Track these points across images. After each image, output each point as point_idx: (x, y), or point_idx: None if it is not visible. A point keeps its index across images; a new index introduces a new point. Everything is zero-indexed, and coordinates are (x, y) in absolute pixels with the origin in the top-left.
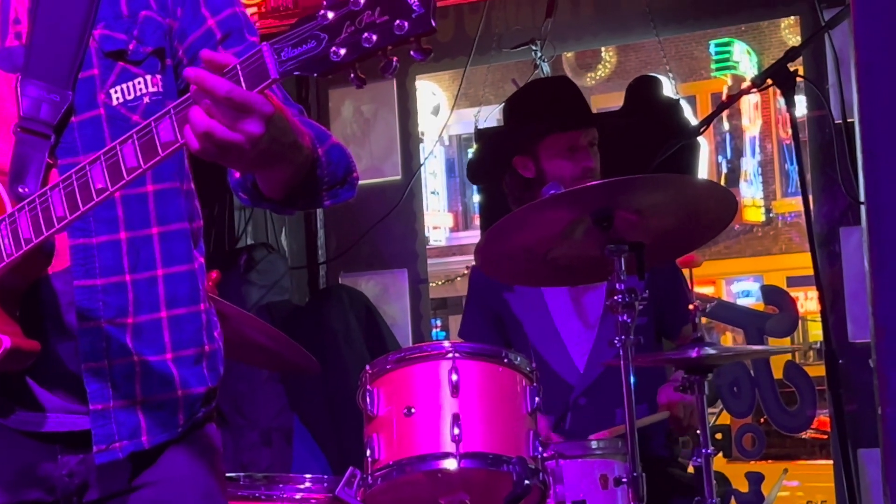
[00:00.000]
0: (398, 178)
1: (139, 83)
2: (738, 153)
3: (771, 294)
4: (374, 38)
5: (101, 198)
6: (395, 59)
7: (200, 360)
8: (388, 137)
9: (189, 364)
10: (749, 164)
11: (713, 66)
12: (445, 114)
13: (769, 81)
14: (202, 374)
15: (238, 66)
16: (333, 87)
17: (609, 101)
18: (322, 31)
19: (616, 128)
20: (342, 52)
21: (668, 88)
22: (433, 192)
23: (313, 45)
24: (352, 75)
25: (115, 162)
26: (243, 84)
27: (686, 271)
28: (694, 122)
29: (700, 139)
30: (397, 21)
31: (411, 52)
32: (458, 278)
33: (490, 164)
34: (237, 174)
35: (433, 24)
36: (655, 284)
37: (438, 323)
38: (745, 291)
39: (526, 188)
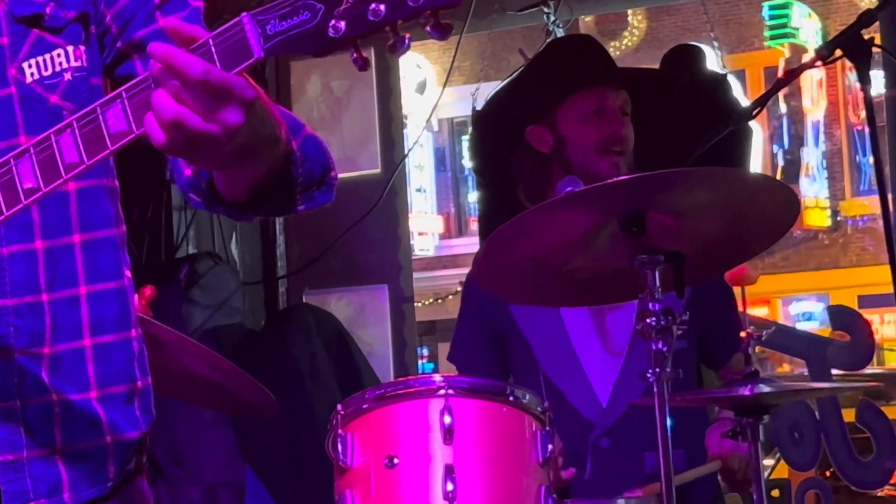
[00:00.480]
0: (377, 171)
1: (58, 56)
2: (798, 142)
3: (839, 316)
4: (383, 9)
5: (31, 200)
6: (406, 36)
7: (132, 398)
8: (365, 121)
9: (119, 403)
10: (812, 156)
11: (767, 33)
12: (434, 92)
13: (838, 52)
14: (134, 415)
15: (211, 42)
16: (296, 57)
17: None
18: (317, 1)
19: (649, 102)
20: (342, 25)
21: (713, 61)
22: (419, 190)
23: (307, 17)
24: (353, 54)
25: (49, 156)
26: (217, 63)
27: (736, 289)
28: (744, 102)
29: (752, 124)
30: None
31: (427, 28)
32: (450, 297)
33: (494, 140)
34: (188, 171)
35: None
36: (698, 304)
37: (425, 352)
38: (806, 313)
39: (540, 165)
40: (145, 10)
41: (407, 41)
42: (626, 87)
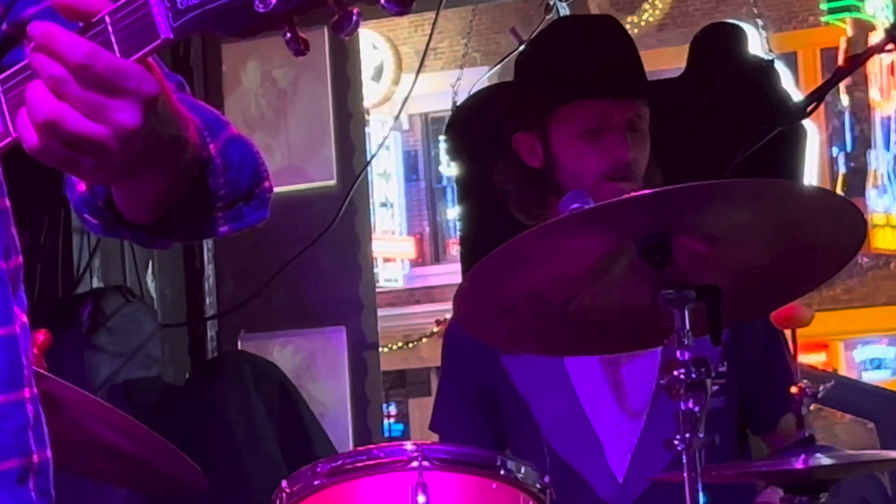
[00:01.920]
0: (331, 183)
1: None
2: (863, 143)
3: None
4: None
5: None
6: (354, 10)
7: (26, 476)
8: (317, 120)
9: (9, 483)
10: (881, 161)
11: (824, 5)
12: (403, 81)
13: None
14: (29, 499)
15: (108, 19)
16: (228, 39)
17: (659, 60)
18: None
19: (674, 105)
20: None
21: (756, 43)
22: (384, 205)
23: None
24: (287, 34)
25: None
26: (115, 47)
27: (787, 332)
28: (796, 95)
29: (806, 123)
30: None
31: (383, 2)
32: (424, 339)
33: (479, 143)
34: (81, 186)
35: None
36: (738, 353)
37: (392, 410)
38: (875, 360)
39: (532, 183)
40: None
41: (355, 17)
42: (641, 93)
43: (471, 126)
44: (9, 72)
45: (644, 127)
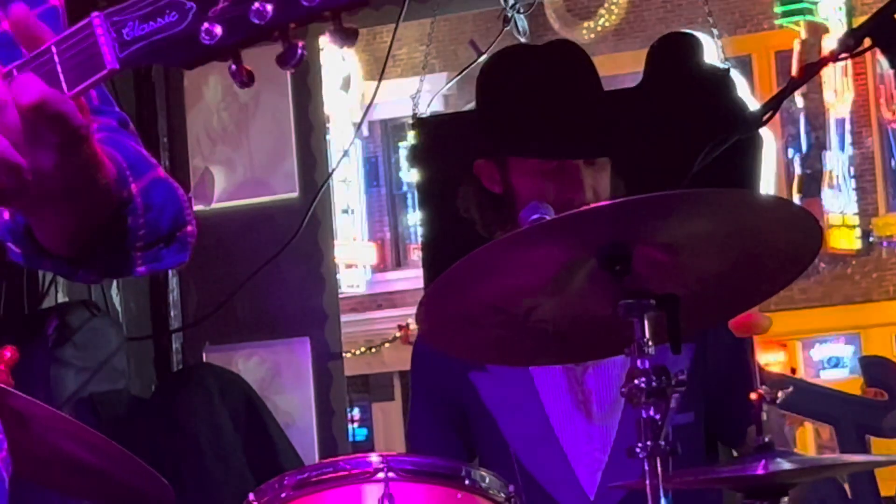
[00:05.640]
0: (294, 195)
1: None
2: (818, 145)
3: (875, 369)
4: (270, 9)
5: None
6: (300, 44)
7: None
8: (278, 133)
9: None
10: (836, 162)
11: (778, 9)
12: (362, 88)
13: (867, 42)
14: None
15: (53, 48)
16: None
17: (615, 65)
18: None
19: (633, 115)
20: (218, 30)
21: (711, 51)
22: (345, 211)
23: (174, 19)
24: (232, 67)
25: None
26: (61, 77)
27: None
28: (752, 102)
29: (763, 130)
30: None
31: (327, 34)
32: (387, 344)
33: (441, 155)
34: (6, 214)
35: None
36: (704, 366)
37: (356, 415)
38: (833, 359)
39: (494, 207)
40: None
41: (300, 51)
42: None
43: (433, 138)
44: None
45: (603, 160)
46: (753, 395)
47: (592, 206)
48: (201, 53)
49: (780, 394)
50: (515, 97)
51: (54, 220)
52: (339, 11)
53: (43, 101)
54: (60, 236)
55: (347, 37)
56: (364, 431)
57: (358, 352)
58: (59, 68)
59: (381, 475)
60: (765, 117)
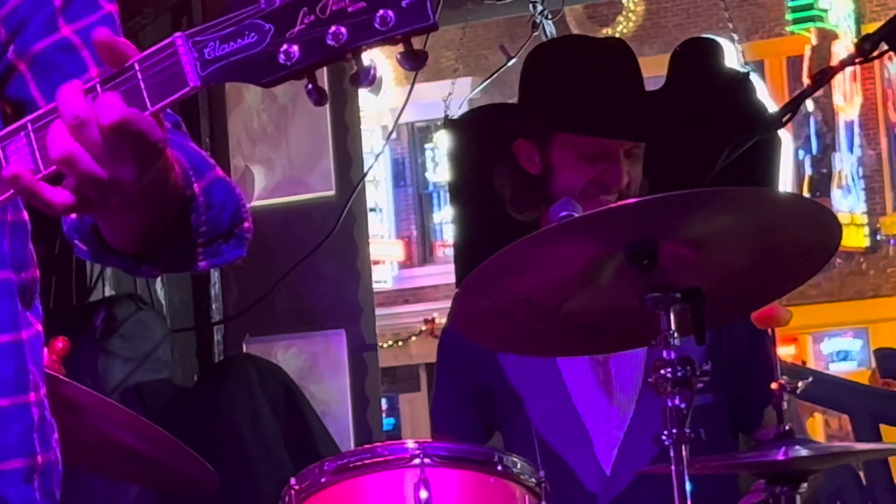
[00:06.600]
0: (331, 193)
1: None
2: (828, 146)
3: (888, 360)
4: (345, 32)
5: None
6: (373, 67)
7: (31, 476)
8: (316, 134)
9: (16, 482)
10: (845, 163)
11: (789, 16)
12: (393, 93)
13: (883, 46)
14: (33, 498)
15: (137, 66)
16: None
17: None
18: (265, 20)
19: (658, 118)
20: (296, 51)
21: (731, 55)
22: (373, 210)
23: (253, 40)
24: (308, 86)
25: None
26: (144, 94)
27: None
28: (769, 104)
29: (781, 132)
30: (380, 11)
31: (397, 57)
32: (413, 338)
33: (478, 149)
34: (73, 214)
35: (433, 17)
36: (721, 352)
37: (384, 405)
38: (842, 352)
39: (528, 187)
40: (44, 13)
41: (373, 73)
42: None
43: (468, 133)
44: (39, 112)
45: (640, 151)
46: (775, 385)
47: (620, 203)
48: (279, 73)
49: (800, 383)
50: (570, 77)
51: (125, 222)
52: (410, 35)
53: (123, 120)
54: (129, 236)
55: (418, 59)
56: (392, 421)
57: (386, 345)
58: (142, 84)
59: (417, 461)
60: (784, 119)
